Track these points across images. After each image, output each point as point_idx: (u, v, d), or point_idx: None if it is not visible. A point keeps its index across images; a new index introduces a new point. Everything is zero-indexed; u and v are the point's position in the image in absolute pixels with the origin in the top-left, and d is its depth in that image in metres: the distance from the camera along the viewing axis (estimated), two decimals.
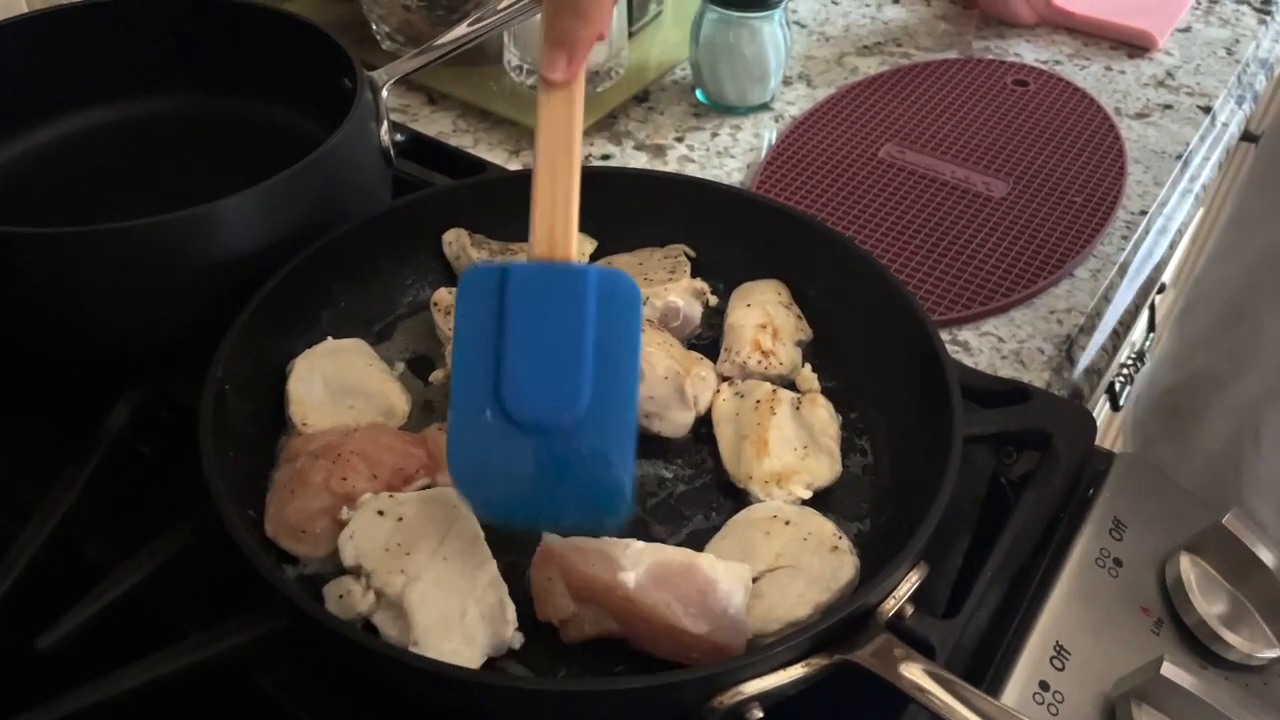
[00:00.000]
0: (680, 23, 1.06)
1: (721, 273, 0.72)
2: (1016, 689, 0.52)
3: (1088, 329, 0.79)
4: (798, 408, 0.63)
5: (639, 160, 0.93)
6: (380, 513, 0.54)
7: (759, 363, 0.66)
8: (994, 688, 0.52)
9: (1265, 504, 0.82)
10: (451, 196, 0.74)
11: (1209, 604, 0.55)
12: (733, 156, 0.95)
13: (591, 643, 0.53)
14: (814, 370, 0.66)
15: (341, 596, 0.52)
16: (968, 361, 0.75)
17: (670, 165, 0.93)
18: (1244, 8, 1.19)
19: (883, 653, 0.48)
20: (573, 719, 0.50)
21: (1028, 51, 1.10)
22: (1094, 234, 0.85)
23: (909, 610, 0.51)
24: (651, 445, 0.63)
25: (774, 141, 0.96)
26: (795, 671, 0.48)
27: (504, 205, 0.73)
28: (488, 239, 0.72)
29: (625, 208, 0.72)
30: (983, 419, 0.63)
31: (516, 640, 0.52)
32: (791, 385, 0.66)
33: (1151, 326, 0.98)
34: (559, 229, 0.52)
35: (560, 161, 0.52)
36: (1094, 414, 0.66)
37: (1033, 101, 1.01)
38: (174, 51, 0.79)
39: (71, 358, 0.66)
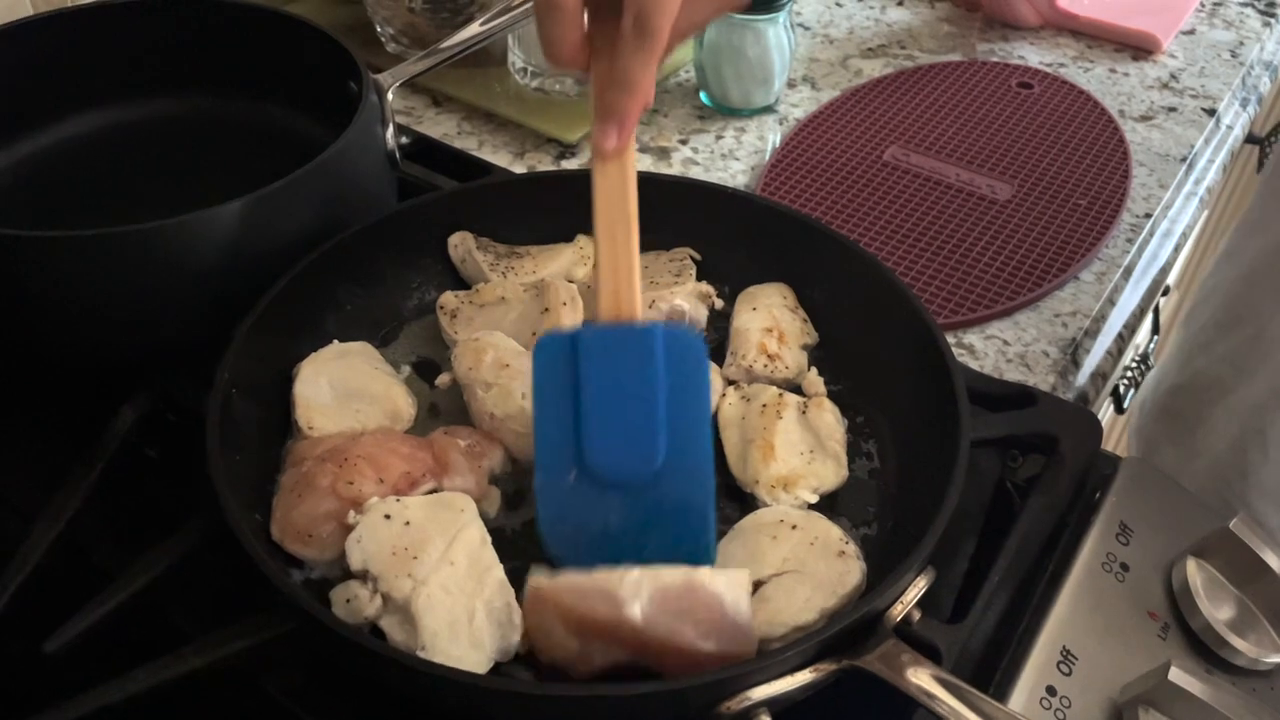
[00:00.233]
0: None
1: (727, 276, 0.72)
2: (1023, 694, 0.52)
3: (1092, 332, 0.79)
4: (804, 412, 0.63)
5: (643, 163, 0.93)
6: (387, 516, 0.53)
7: (765, 366, 0.66)
8: (1001, 692, 0.52)
9: (1272, 508, 0.82)
10: (456, 199, 0.74)
11: (1216, 609, 0.55)
12: (737, 159, 0.94)
13: None
14: (820, 374, 0.66)
15: (348, 601, 0.51)
16: (973, 365, 0.75)
17: (675, 168, 0.93)
18: (1248, 10, 1.19)
19: (890, 658, 0.48)
20: None
21: (1032, 54, 1.10)
22: (1099, 237, 0.85)
23: (916, 615, 0.51)
24: None
25: (778, 144, 0.96)
26: (803, 677, 0.48)
27: (509, 208, 0.73)
28: (493, 242, 0.72)
29: None
30: (988, 423, 0.62)
31: (524, 645, 0.52)
32: (797, 389, 0.66)
33: (1156, 330, 0.98)
34: (623, 291, 0.54)
35: (619, 228, 0.54)
36: (1099, 417, 0.66)
37: (1037, 104, 1.01)
38: (180, 54, 0.79)
39: (77, 362, 0.66)
